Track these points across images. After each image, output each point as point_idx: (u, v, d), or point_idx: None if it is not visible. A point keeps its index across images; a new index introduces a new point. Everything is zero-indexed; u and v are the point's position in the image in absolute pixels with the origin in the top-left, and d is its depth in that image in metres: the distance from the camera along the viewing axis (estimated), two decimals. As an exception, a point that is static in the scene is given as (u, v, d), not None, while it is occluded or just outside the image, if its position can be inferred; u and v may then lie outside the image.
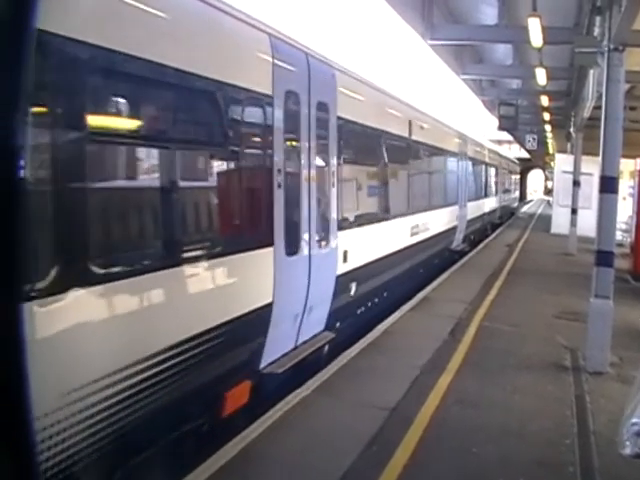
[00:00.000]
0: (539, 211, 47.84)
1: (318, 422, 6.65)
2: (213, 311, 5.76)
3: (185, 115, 5.78)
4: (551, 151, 44.73)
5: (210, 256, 5.71)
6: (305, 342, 7.90)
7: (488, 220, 29.14)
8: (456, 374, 8.25)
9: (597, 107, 14.71)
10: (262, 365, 6.86)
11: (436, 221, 15.83)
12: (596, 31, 13.07)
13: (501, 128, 28.54)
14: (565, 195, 25.29)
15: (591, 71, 17.27)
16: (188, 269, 5.37)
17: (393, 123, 11.95)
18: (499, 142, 41.64)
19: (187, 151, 5.79)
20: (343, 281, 8.82)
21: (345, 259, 8.90)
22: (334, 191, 8.61)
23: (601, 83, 9.87)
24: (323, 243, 8.23)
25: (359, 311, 10.17)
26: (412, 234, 13.21)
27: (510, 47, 22.15)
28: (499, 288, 14.57)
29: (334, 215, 8.59)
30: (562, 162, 28.32)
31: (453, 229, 18.98)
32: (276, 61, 6.87)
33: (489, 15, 18.62)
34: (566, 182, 25.26)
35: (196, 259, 5.52)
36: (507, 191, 39.94)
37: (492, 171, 30.48)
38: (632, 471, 5.64)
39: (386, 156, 11.45)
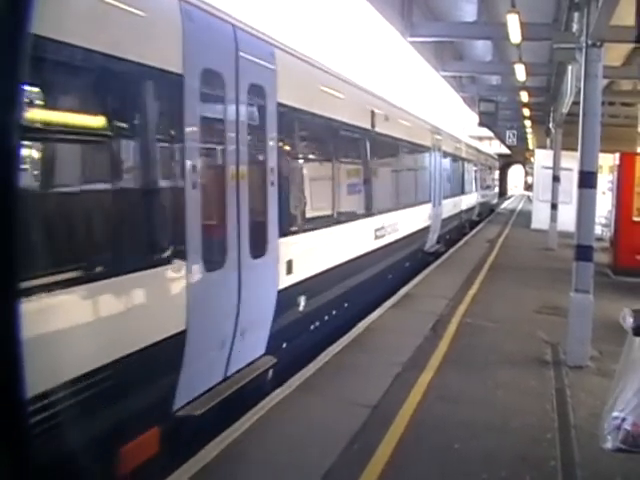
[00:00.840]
0: (519, 207, 48.06)
1: (300, 421, 6.62)
2: (95, 348, 4.53)
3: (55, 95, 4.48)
4: (531, 147, 44.96)
5: (91, 278, 4.54)
6: (240, 371, 6.79)
7: (466, 218, 28.45)
8: (437, 371, 8.25)
9: (576, 102, 14.77)
10: (175, 407, 5.65)
11: (405, 222, 14.80)
12: (574, 27, 13.15)
13: (481, 124, 28.68)
14: (545, 190, 25.43)
15: (570, 67, 17.43)
16: (55, 298, 4.13)
17: (351, 112, 10.79)
18: (480, 138, 41.76)
19: (63, 144, 4.66)
20: (288, 295, 7.74)
21: (290, 270, 7.81)
22: (273, 191, 7.38)
23: (580, 79, 9.94)
24: (258, 253, 6.97)
25: (312, 327, 9.14)
26: (377, 237, 12.27)
27: (489, 44, 22.31)
28: (480, 284, 14.62)
29: (274, 219, 7.38)
30: (542, 157, 28.45)
31: (426, 229, 18.01)
32: (188, 32, 5.62)
33: (468, 12, 18.73)
34: (546, 177, 25.38)
35: (67, 284, 4.26)
36: (486, 187, 39.28)
37: (470, 167, 29.88)
38: (613, 465, 5.69)
39: (343, 150, 10.64)
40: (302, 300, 8.35)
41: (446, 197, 21.07)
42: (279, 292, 7.47)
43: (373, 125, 11.89)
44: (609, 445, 5.90)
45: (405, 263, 15.52)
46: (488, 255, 19.95)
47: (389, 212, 13.23)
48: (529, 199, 46.91)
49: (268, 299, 7.30)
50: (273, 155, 7.45)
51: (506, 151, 57.39)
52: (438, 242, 20.07)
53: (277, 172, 7.46)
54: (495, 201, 49.02)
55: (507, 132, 36.15)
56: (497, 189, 53.05)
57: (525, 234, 27.15)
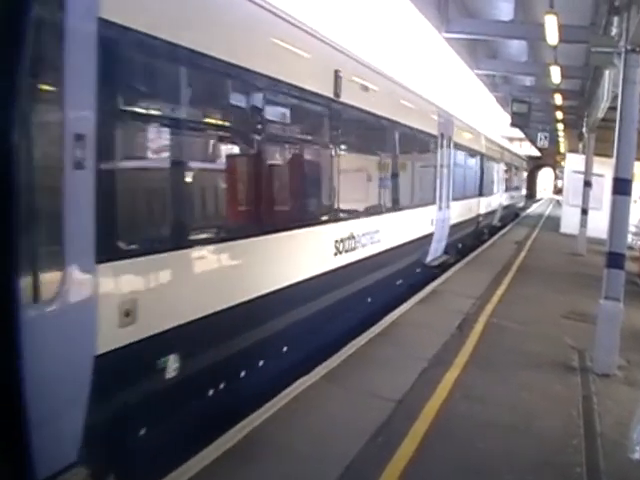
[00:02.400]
0: (548, 210, 47.56)
1: (324, 410, 6.66)
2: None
3: None
4: (562, 150, 44.53)
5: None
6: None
7: (485, 224, 24.83)
8: (463, 369, 8.24)
9: (612, 108, 14.61)
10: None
11: (393, 229, 11.57)
12: (613, 31, 12.97)
13: (513, 125, 28.36)
14: (575, 195, 25.18)
15: (606, 71, 17.17)
16: None
17: (288, 66, 7.46)
18: (510, 139, 41.33)
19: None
20: (129, 364, 4.83)
21: (127, 320, 4.80)
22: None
23: (617, 84, 9.80)
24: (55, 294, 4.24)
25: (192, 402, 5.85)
26: (340, 251, 9.11)
27: (524, 44, 22.07)
28: (507, 285, 14.53)
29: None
30: (573, 162, 28.19)
31: (427, 238, 14.49)
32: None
33: (504, 11, 18.58)
34: (576, 182, 25.14)
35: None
36: (511, 189, 35.10)
37: (491, 165, 26.15)
38: (638, 473, 5.65)
39: (273, 122, 7.39)
40: (170, 363, 5.30)
41: (458, 199, 17.76)
42: (98, 359, 4.50)
43: (337, 93, 8.75)
44: (637, 456, 5.87)
45: (394, 281, 12.43)
46: (516, 257, 19.81)
47: (365, 217, 10.20)
48: (558, 203, 46.43)
49: (82, 375, 4.47)
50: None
51: (536, 153, 56.89)
52: (446, 252, 16.79)
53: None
54: (521, 204, 45.35)
55: (539, 134, 35.72)
56: (524, 191, 49.31)
57: (554, 238, 26.92)
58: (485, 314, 11.39)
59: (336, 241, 8.97)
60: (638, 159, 10.33)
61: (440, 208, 15.55)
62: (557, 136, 39.05)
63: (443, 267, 16.16)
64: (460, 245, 19.42)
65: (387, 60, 11.95)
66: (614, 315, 8.73)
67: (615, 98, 10.54)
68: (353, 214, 9.69)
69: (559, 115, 29.32)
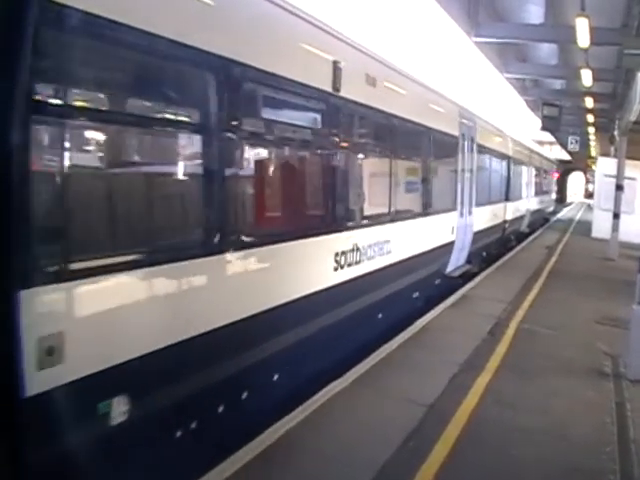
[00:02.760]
0: (579, 215, 47.03)
1: (355, 414, 6.66)
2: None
3: None
4: (593, 154, 44.12)
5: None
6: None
7: (511, 230, 23.48)
8: (495, 374, 8.19)
9: (645, 111, 14.50)
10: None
11: (407, 239, 10.53)
12: (646, 33, 12.89)
13: (544, 128, 28.23)
14: (606, 199, 24.89)
15: (639, 73, 17.03)
16: None
17: (286, 59, 6.66)
18: (540, 143, 40.94)
19: None
20: (55, 410, 3.96)
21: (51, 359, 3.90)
22: None
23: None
24: None
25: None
26: (342, 265, 7.97)
27: (555, 47, 22.00)
28: (539, 290, 14.40)
29: None
30: (605, 165, 27.88)
31: (447, 247, 13.38)
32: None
33: (534, 14, 18.52)
34: (608, 186, 24.85)
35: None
36: (540, 193, 33.47)
37: (518, 168, 24.84)
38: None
39: (267, 120, 6.71)
40: (118, 405, 4.41)
41: (482, 204, 16.60)
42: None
43: (336, 86, 7.57)
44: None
45: (411, 294, 11.38)
46: (547, 261, 19.61)
47: (373, 226, 9.13)
48: (589, 207, 45.90)
49: None
50: None
51: (567, 157, 56.37)
52: (468, 261, 15.64)
53: None
54: (551, 209, 43.83)
55: (569, 138, 35.46)
56: (554, 196, 47.77)
57: (585, 242, 26.62)
58: (516, 319, 11.31)
59: (337, 254, 7.86)
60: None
61: (462, 214, 14.41)
62: (588, 139, 38.77)
63: (466, 277, 15.09)
64: (484, 253, 18.40)
65: (418, 64, 11.88)
66: (648, 321, 8.63)
67: (648, 101, 10.46)
68: (358, 223, 8.61)
69: (590, 118, 29.11)
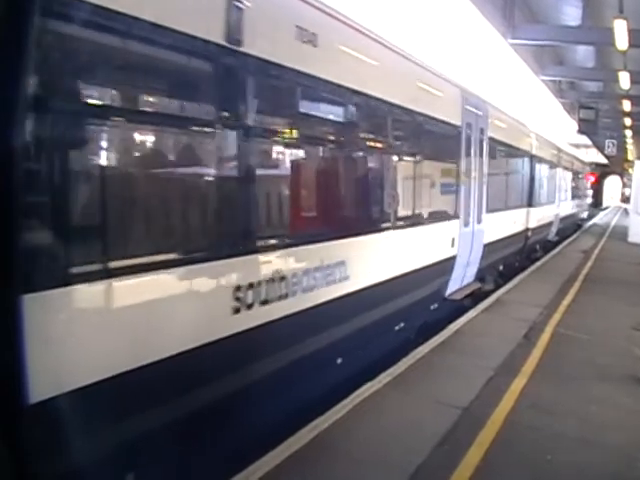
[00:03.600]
0: (616, 219, 46.30)
1: (389, 416, 6.65)
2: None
3: None
4: (630, 157, 43.52)
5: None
6: None
7: (536, 239, 20.67)
8: (530, 378, 8.12)
9: (684, 114, 14.29)
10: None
11: (374, 258, 8.10)
12: (686, 35, 12.71)
13: (580, 132, 27.94)
14: (644, 203, 24.57)
15: (678, 76, 16.80)
16: None
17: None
18: (576, 146, 40.49)
19: None
20: None
21: None
22: None
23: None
24: None
25: None
26: (251, 303, 5.41)
27: (591, 49, 21.79)
28: (574, 295, 14.23)
29: None
30: (642, 169, 27.50)
31: (444, 263, 10.85)
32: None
33: (571, 16, 18.35)
34: (645, 190, 24.54)
35: None
36: (572, 198, 30.68)
37: (545, 169, 22.13)
38: None
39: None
40: None
41: (496, 210, 14.07)
42: None
43: (236, 37, 5.17)
44: None
45: (391, 327, 9.10)
46: (582, 266, 19.37)
47: (307, 244, 6.49)
48: (625, 211, 45.20)
49: None
50: None
51: (603, 161, 55.67)
52: (481, 278, 13.66)
53: None
54: (584, 215, 40.45)
55: (606, 141, 35.04)
56: (588, 200, 45.05)
57: (621, 247, 26.24)
58: (552, 324, 11.19)
59: (238, 288, 5.24)
60: None
61: (466, 223, 11.84)
62: (625, 143, 38.28)
63: (479, 296, 13.15)
64: (501, 267, 16.03)
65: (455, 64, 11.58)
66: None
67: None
68: (281, 242, 6.04)
69: (627, 121, 28.78)
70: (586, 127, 26.16)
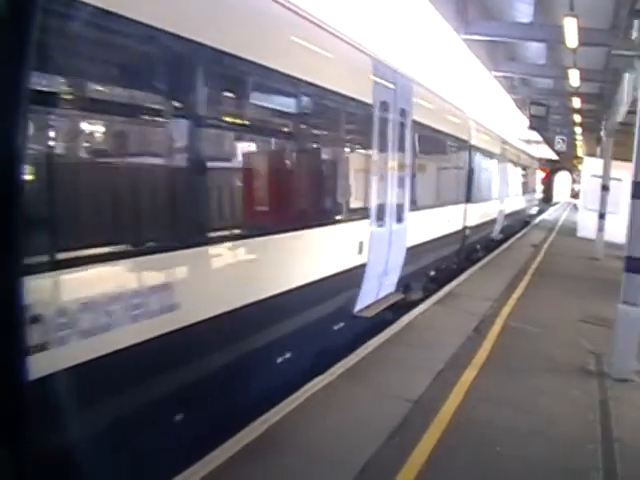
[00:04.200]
0: (564, 215, 47.10)
1: (341, 409, 6.66)
2: None
3: None
4: (580, 154, 44.35)
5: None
6: None
7: (476, 238, 18.83)
8: (480, 371, 8.20)
9: (631, 112, 14.56)
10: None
11: (246, 270, 6.29)
12: (634, 34, 12.94)
13: (531, 128, 28.32)
14: (592, 199, 25.01)
15: (626, 74, 17.11)
16: None
17: None
18: (527, 142, 40.99)
19: None
20: None
21: None
22: None
23: (637, 87, 9.76)
24: None
25: None
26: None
27: (543, 46, 22.05)
28: (524, 288, 14.44)
29: None
30: (591, 166, 28.02)
31: (349, 274, 8.69)
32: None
33: (523, 12, 18.55)
34: (594, 186, 24.97)
35: None
36: (518, 193, 29.64)
37: (487, 162, 20.49)
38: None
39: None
40: None
41: (422, 207, 12.04)
42: None
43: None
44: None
45: (267, 362, 6.99)
46: (532, 260, 19.68)
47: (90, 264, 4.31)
48: (575, 207, 46.01)
49: None
50: None
51: (554, 157, 56.60)
52: (406, 286, 11.87)
53: None
54: (532, 211, 39.84)
55: (556, 137, 35.60)
56: (537, 196, 44.32)
57: (570, 242, 26.76)
58: (502, 317, 11.33)
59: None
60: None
61: (381, 224, 9.76)
62: (575, 140, 38.93)
63: (406, 307, 11.46)
64: (433, 272, 14.21)
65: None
66: (632, 320, 8.63)
67: (635, 102, 10.50)
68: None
69: (577, 118, 29.26)
70: (537, 123, 26.52)
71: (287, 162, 7.45)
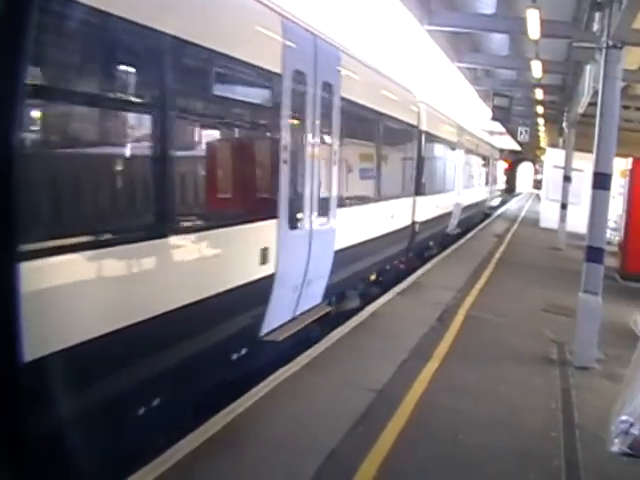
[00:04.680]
0: (527, 205, 47.65)
1: (305, 399, 6.67)
2: None
3: None
4: (542, 145, 44.80)
5: None
6: None
7: (428, 235, 16.81)
8: (443, 361, 8.26)
9: (592, 103, 14.72)
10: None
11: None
12: (595, 27, 13.04)
13: (494, 119, 28.48)
14: (554, 190, 25.30)
15: (587, 67, 17.31)
16: None
17: None
18: (490, 133, 41.25)
19: None
20: None
21: None
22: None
23: (597, 79, 9.85)
24: None
25: None
26: None
27: (506, 37, 22.12)
28: (487, 278, 14.58)
29: None
30: (553, 157, 28.33)
31: (251, 289, 6.80)
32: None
33: (487, 4, 18.60)
34: (556, 177, 25.27)
35: None
36: (478, 184, 28.43)
37: (441, 150, 19.00)
38: (617, 468, 5.72)
39: None
40: None
41: (359, 202, 10.62)
42: None
43: None
44: (615, 448, 5.94)
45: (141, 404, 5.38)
46: (496, 250, 19.88)
47: None
48: (537, 197, 46.51)
49: None
50: None
51: (517, 148, 57.12)
52: (340, 294, 10.52)
53: None
54: (494, 202, 39.20)
55: (519, 128, 35.80)
56: (499, 187, 43.95)
57: (533, 232, 27.06)
58: (465, 307, 11.42)
59: None
60: (617, 155, 10.43)
61: (296, 225, 7.90)
62: (537, 130, 39.27)
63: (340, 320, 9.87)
64: (374, 275, 12.55)
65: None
66: (593, 309, 8.79)
67: (596, 94, 10.61)
68: None
69: (540, 110, 29.47)
70: (500, 114, 26.66)
71: (178, 148, 5.49)
